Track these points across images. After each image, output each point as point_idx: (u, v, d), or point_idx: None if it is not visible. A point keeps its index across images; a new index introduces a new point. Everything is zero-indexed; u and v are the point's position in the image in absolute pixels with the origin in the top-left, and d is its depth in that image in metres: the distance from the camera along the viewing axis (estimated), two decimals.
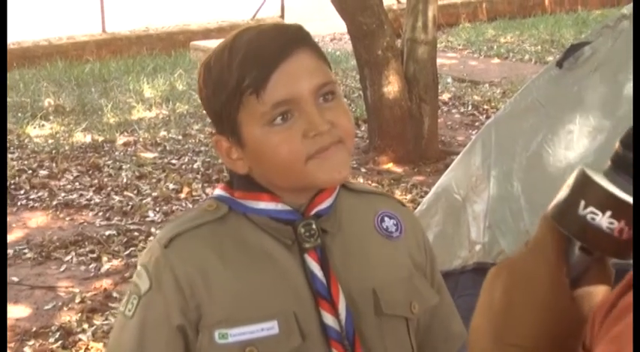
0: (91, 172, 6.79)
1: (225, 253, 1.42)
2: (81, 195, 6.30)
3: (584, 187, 0.87)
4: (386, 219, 1.54)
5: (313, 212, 1.44)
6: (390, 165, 6.93)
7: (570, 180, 0.89)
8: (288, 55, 1.35)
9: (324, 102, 1.37)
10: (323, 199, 1.45)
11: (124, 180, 6.56)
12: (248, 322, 1.38)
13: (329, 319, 1.41)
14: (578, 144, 2.64)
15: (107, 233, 5.56)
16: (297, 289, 1.42)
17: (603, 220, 0.85)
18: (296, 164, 1.35)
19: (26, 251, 5.34)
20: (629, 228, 0.84)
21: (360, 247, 1.49)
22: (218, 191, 1.50)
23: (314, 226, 1.43)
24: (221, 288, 1.40)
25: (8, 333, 4.33)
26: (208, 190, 6.31)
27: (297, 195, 1.44)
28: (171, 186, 6.41)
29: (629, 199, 0.83)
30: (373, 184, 6.41)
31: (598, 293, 0.91)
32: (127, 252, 5.27)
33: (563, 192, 0.89)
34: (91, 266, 5.11)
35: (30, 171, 6.78)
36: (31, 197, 6.26)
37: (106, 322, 4.42)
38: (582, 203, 0.86)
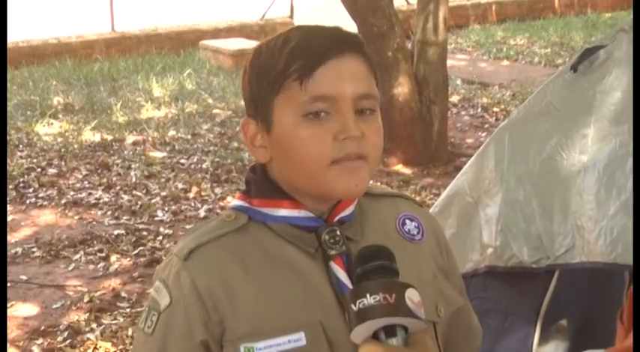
0: (100, 171, 6.80)
1: (247, 264, 1.40)
2: (90, 193, 6.31)
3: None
4: (407, 221, 1.53)
5: (336, 219, 1.42)
6: (400, 167, 6.92)
7: None
8: (340, 53, 1.35)
9: (361, 114, 1.36)
10: (345, 206, 1.43)
11: (133, 180, 6.56)
12: (274, 335, 1.35)
13: None
14: (592, 148, 2.62)
15: (116, 232, 5.56)
16: (322, 298, 1.39)
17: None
18: (318, 165, 1.34)
19: (35, 249, 5.35)
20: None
21: None
22: (235, 201, 1.47)
23: (338, 232, 1.41)
24: (245, 301, 1.37)
25: (17, 332, 4.33)
26: (217, 190, 6.31)
27: (317, 202, 1.42)
28: (180, 185, 6.42)
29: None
30: (382, 186, 6.39)
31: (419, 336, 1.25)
32: (136, 252, 5.27)
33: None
34: (99, 266, 5.11)
35: (39, 170, 6.79)
36: (40, 195, 6.27)
37: (114, 321, 4.42)
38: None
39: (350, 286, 1.38)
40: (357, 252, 1.29)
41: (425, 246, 1.53)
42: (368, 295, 1.18)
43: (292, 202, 1.41)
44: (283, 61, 1.34)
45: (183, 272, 1.38)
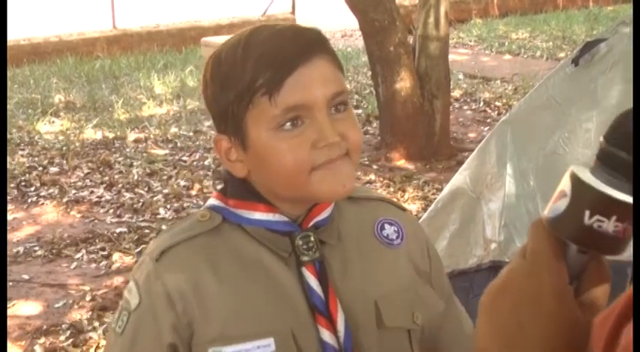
0: (101, 169, 6.78)
1: (219, 266, 1.36)
2: (92, 192, 6.29)
3: (585, 196, 0.87)
4: (386, 226, 1.48)
5: (311, 223, 1.39)
6: (402, 162, 6.90)
7: (566, 188, 0.88)
8: (307, 59, 1.29)
9: (336, 112, 1.32)
10: (321, 210, 1.40)
11: (135, 177, 6.55)
12: (243, 340, 1.32)
13: (326, 335, 1.35)
14: (595, 142, 2.60)
15: (118, 230, 5.55)
16: (294, 304, 1.36)
17: (610, 225, 0.86)
18: (300, 174, 1.29)
19: (37, 248, 5.33)
20: (630, 226, 0.86)
21: (359, 258, 1.43)
22: (212, 200, 1.44)
23: (312, 238, 1.38)
24: (215, 304, 1.34)
25: (19, 331, 4.32)
26: (219, 187, 6.28)
27: (294, 206, 1.39)
28: (182, 183, 6.40)
29: (630, 200, 0.85)
30: (385, 181, 6.39)
31: (599, 296, 0.91)
32: (138, 250, 5.25)
33: (561, 203, 0.89)
34: (101, 264, 5.10)
35: (40, 168, 6.77)
36: (42, 194, 6.25)
37: None
38: (587, 213, 0.87)
39: (321, 294, 1.35)
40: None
41: (404, 250, 1.48)
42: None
43: (267, 206, 1.38)
44: (249, 74, 1.28)
45: (154, 273, 1.36)
